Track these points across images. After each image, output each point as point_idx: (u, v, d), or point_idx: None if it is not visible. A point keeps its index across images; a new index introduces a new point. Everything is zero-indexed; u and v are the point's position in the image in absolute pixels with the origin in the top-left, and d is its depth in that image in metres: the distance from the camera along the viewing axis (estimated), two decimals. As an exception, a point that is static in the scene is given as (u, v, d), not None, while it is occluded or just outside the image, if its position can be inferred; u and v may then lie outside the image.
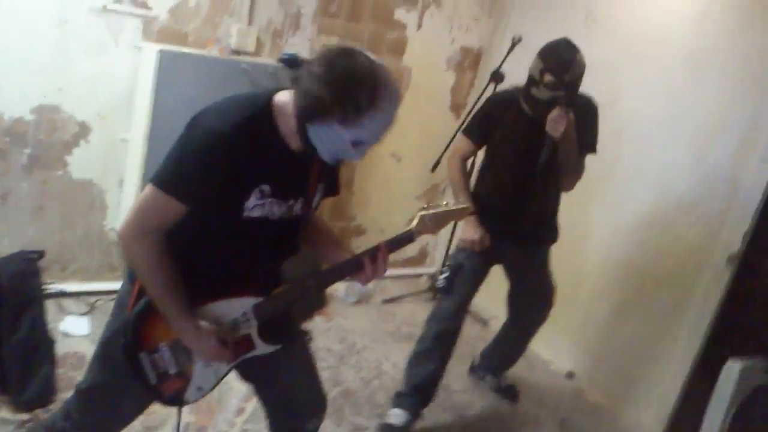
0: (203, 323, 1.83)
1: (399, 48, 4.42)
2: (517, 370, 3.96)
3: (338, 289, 4.40)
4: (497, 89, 4.16)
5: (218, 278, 1.88)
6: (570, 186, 3.11)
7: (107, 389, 1.97)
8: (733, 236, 3.34)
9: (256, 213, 1.79)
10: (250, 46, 3.71)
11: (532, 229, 3.18)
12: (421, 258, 5.14)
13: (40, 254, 3.12)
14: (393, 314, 4.32)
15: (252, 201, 1.77)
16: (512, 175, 3.07)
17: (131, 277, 1.89)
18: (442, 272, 3.23)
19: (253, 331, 1.93)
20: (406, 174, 4.74)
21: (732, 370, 2.79)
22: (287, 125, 1.75)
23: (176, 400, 1.96)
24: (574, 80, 2.82)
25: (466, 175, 3.24)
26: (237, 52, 3.64)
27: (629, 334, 3.78)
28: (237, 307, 1.90)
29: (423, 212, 1.95)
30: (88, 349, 3.15)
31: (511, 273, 3.37)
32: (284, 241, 1.94)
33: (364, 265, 1.92)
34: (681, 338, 3.53)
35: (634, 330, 3.76)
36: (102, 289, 3.59)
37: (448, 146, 4.23)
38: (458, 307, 3.20)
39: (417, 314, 4.38)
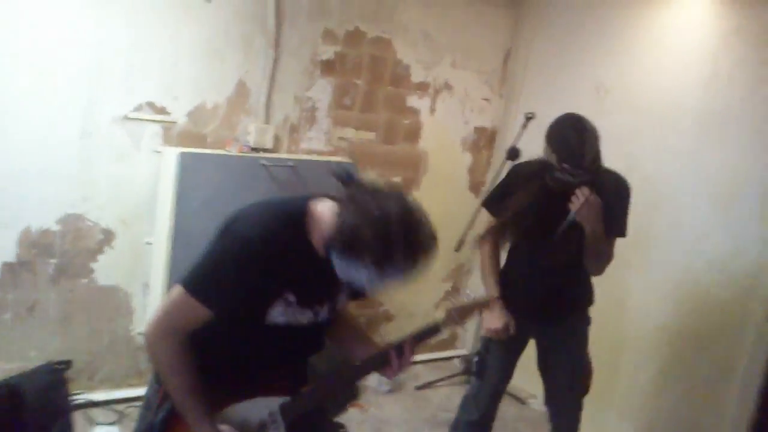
0: (225, 427, 1.77)
1: (414, 133, 4.48)
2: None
3: (370, 378, 4.31)
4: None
5: (242, 380, 1.85)
6: (597, 270, 2.89)
7: None
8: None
9: (279, 320, 1.79)
10: (269, 143, 3.76)
11: (559, 304, 2.95)
12: (451, 341, 5.04)
13: (68, 364, 3.08)
14: (428, 400, 4.21)
15: (277, 310, 1.77)
16: (534, 246, 2.89)
17: (158, 379, 1.87)
18: (474, 356, 3.14)
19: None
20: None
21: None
22: (320, 234, 1.72)
23: None
24: (593, 159, 2.66)
25: (496, 256, 3.04)
26: (256, 150, 3.69)
27: (676, 401, 3.65)
28: (263, 408, 1.86)
29: (450, 305, 1.96)
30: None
31: (542, 354, 3.11)
32: (307, 344, 1.93)
33: (391, 360, 1.89)
34: (730, 402, 3.40)
35: (681, 397, 3.63)
36: (130, 395, 3.54)
37: (470, 225, 4.22)
38: (490, 395, 3.07)
39: (452, 398, 4.26)
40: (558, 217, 2.71)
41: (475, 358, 3.07)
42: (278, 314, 1.78)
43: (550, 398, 3.14)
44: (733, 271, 3.42)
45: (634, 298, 3.89)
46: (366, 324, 4.56)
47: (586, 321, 3.07)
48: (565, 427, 3.15)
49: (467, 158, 4.79)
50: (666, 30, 3.81)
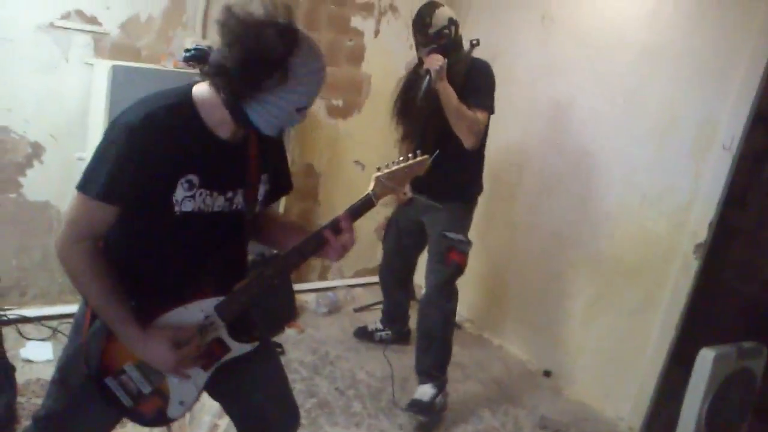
0: (155, 330, 1.73)
1: (357, 56, 4.40)
2: (495, 371, 3.96)
3: (309, 300, 4.35)
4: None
5: (168, 285, 1.79)
6: (464, 135, 3.16)
7: (66, 416, 1.87)
8: (699, 226, 3.35)
9: (187, 207, 1.72)
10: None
11: (434, 186, 3.20)
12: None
13: (-4, 280, 3.02)
14: (365, 322, 4.26)
15: (180, 193, 1.70)
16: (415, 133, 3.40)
17: (86, 300, 1.81)
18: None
19: (223, 333, 1.85)
20: (370, 180, 4.70)
21: (706, 359, 2.79)
22: (213, 116, 1.69)
23: (160, 419, 1.89)
24: (438, 31, 3.16)
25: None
26: (192, 65, 3.58)
27: (604, 329, 3.78)
28: (197, 312, 1.81)
29: (378, 173, 1.88)
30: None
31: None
32: (229, 236, 1.87)
33: (328, 239, 1.81)
34: (654, 330, 3.53)
35: (608, 325, 3.76)
36: (64, 312, 3.49)
37: (411, 151, 4.23)
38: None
39: (389, 322, 4.35)
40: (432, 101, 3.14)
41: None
42: (184, 199, 1.71)
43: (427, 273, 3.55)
44: (666, 205, 3.50)
45: (569, 228, 3.97)
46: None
47: (462, 202, 3.47)
48: (433, 304, 3.45)
49: (411, 83, 4.74)
50: (613, -42, 3.78)
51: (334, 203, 4.61)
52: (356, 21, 4.31)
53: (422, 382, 3.39)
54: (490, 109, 3.25)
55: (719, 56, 3.28)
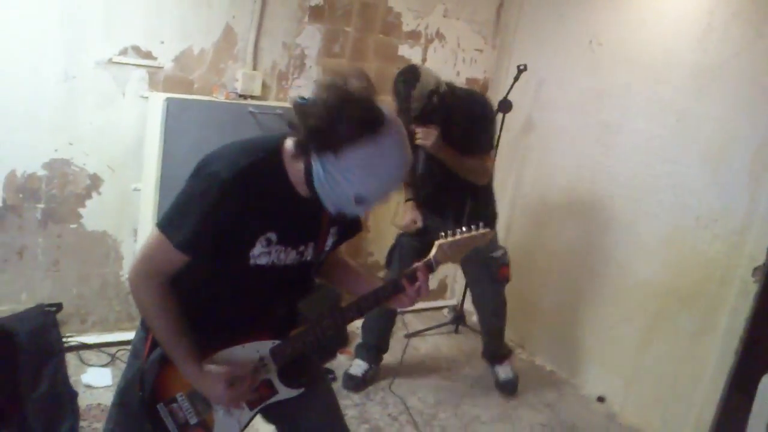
0: (212, 366, 1.78)
1: (405, 83, 4.43)
2: (548, 397, 3.90)
3: (359, 326, 4.36)
4: (505, 117, 4.18)
5: (230, 324, 1.84)
6: (478, 181, 3.41)
7: None
8: (757, 249, 3.28)
9: (262, 261, 1.76)
10: (256, 90, 3.73)
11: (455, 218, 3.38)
12: (441, 291, 5.09)
13: (58, 307, 3.12)
14: (416, 348, 4.26)
15: (258, 249, 1.73)
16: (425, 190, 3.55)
17: (145, 325, 1.87)
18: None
19: (273, 376, 1.90)
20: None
21: (769, 385, 2.72)
22: (296, 171, 1.69)
23: None
24: (422, 106, 3.11)
25: None
26: (243, 96, 3.67)
27: (659, 354, 3.69)
28: (253, 352, 1.86)
29: (441, 240, 1.91)
30: (111, 401, 3.13)
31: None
32: (295, 285, 1.92)
33: (404, 287, 1.88)
34: (713, 355, 3.44)
35: (664, 350, 3.67)
36: (122, 339, 3.58)
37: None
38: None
39: (440, 347, 4.33)
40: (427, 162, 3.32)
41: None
42: (261, 254, 1.74)
43: (474, 296, 3.93)
44: (721, 227, 3.43)
45: (621, 252, 3.91)
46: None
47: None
48: (491, 322, 3.89)
49: (459, 109, 4.75)
50: (661, -20, 3.76)
51: (383, 229, 4.63)
52: (403, 49, 4.36)
53: (499, 363, 3.93)
54: (493, 146, 3.46)
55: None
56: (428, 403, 3.65)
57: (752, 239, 3.30)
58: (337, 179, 1.58)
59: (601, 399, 3.96)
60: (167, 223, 1.69)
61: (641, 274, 3.80)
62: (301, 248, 1.82)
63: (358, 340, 3.88)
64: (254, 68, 3.76)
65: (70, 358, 3.27)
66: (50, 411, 2.78)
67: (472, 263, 3.63)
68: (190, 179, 1.70)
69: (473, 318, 4.76)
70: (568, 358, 4.23)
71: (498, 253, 3.62)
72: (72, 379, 3.01)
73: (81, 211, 3.48)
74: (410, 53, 4.39)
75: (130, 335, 3.56)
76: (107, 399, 3.13)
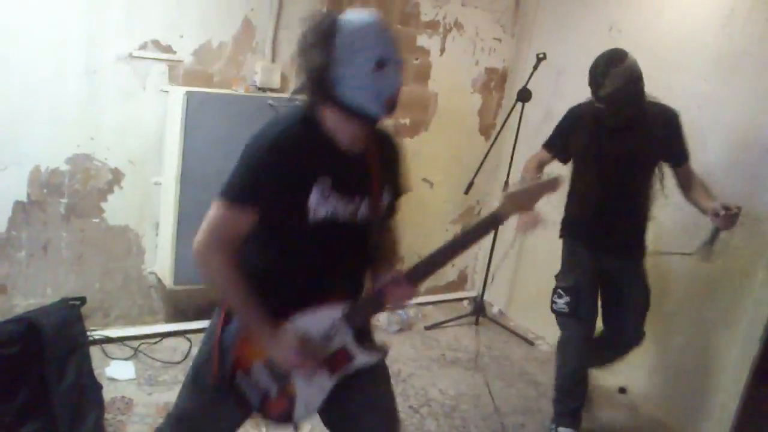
0: (289, 327, 1.82)
1: (424, 74, 4.43)
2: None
3: (380, 319, 4.37)
4: (524, 107, 4.15)
5: (299, 291, 1.86)
6: (694, 197, 3.07)
7: (198, 415, 1.98)
8: (782, 236, 3.24)
9: (321, 212, 1.78)
10: (275, 82, 3.74)
11: (623, 243, 3.18)
12: (461, 282, 5.08)
13: (82, 301, 3.14)
14: (437, 340, 4.26)
15: (315, 197, 1.75)
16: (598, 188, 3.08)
17: (218, 309, 1.93)
18: (558, 295, 3.20)
19: (349, 340, 1.89)
20: (439, 198, 4.71)
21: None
22: (331, 125, 1.78)
23: (286, 420, 1.95)
24: (612, 93, 2.85)
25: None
26: (263, 89, 3.68)
27: (681, 344, 3.66)
28: (325, 318, 1.87)
29: (506, 191, 1.83)
30: (135, 393, 3.16)
31: (612, 287, 3.29)
32: (356, 246, 1.91)
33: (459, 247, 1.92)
34: (736, 345, 3.40)
35: (686, 340, 3.64)
36: (144, 333, 3.62)
37: (479, 168, 4.22)
38: (589, 332, 3.25)
39: (460, 339, 4.33)
40: (616, 150, 2.99)
41: (561, 299, 3.18)
42: (318, 204, 1.77)
43: (618, 330, 3.33)
44: (744, 215, 3.35)
45: (646, 241, 3.87)
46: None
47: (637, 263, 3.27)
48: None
49: (477, 100, 4.74)
50: (682, -34, 3.71)
51: (404, 221, 4.62)
52: (422, 39, 4.34)
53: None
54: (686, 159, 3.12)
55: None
56: (449, 395, 3.65)
57: (777, 227, 3.26)
58: (350, 74, 1.69)
59: (622, 390, 3.93)
60: (227, 190, 1.76)
61: (663, 263, 3.76)
62: (356, 200, 1.84)
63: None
64: (273, 61, 3.77)
65: (94, 352, 3.30)
66: (76, 403, 2.81)
67: (633, 290, 3.26)
68: (241, 155, 1.77)
69: (493, 309, 4.76)
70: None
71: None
72: (96, 372, 3.03)
73: (103, 205, 3.51)
74: (429, 43, 4.38)
75: (152, 329, 3.65)
76: (131, 392, 3.17)
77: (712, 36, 3.52)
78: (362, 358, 1.91)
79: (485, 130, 4.80)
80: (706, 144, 3.54)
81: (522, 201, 1.82)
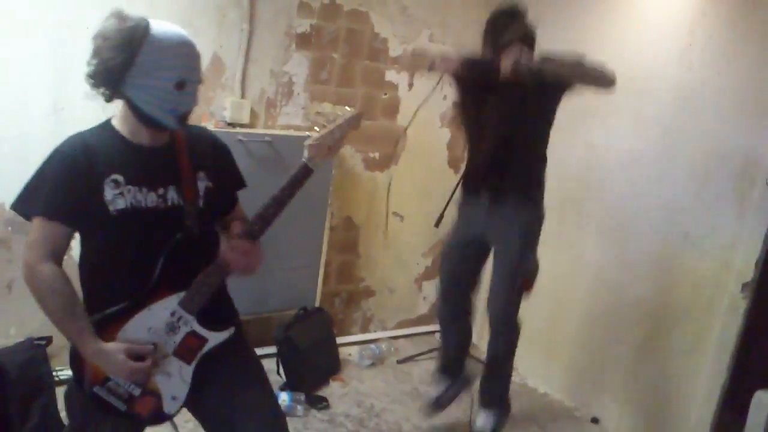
0: (111, 345, 1.83)
1: (392, 109, 4.47)
2: (542, 419, 3.89)
3: (352, 353, 4.35)
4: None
5: (129, 289, 1.89)
6: (602, 85, 3.11)
7: (90, 430, 2.00)
8: (745, 264, 3.30)
9: (120, 204, 1.84)
10: (245, 118, 3.75)
11: (502, 179, 3.21)
12: (432, 315, 5.07)
13: (48, 340, 3.08)
14: (409, 374, 4.25)
15: (108, 192, 1.83)
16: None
17: None
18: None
19: (194, 325, 1.93)
20: (409, 232, 4.73)
21: (762, 402, 2.73)
22: (127, 126, 1.90)
23: (159, 417, 1.98)
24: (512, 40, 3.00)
25: None
26: (232, 125, 3.69)
27: (652, 373, 3.70)
28: (162, 311, 1.90)
29: (309, 141, 1.94)
30: None
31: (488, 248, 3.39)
32: (174, 232, 1.92)
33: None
34: (705, 373, 3.45)
35: (656, 369, 3.68)
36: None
37: (449, 201, 4.24)
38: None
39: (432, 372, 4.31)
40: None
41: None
42: (114, 197, 1.84)
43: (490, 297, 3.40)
44: (710, 245, 3.45)
45: (610, 272, 3.93)
46: (347, 299, 4.59)
47: (532, 213, 3.29)
48: (501, 333, 3.40)
49: (446, 134, 4.78)
50: (643, 1, 3.82)
51: (375, 255, 4.64)
52: (390, 74, 4.39)
53: (488, 410, 3.46)
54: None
55: (758, 91, 3.26)
56: (422, 429, 3.63)
57: (740, 255, 3.32)
58: (150, 85, 1.79)
59: (595, 420, 3.95)
60: (21, 203, 1.88)
61: (631, 293, 3.81)
62: (161, 191, 1.90)
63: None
64: (242, 96, 3.78)
65: (60, 392, 3.23)
66: (41, 445, 2.75)
67: (501, 257, 3.32)
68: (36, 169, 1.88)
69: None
70: (561, 379, 4.22)
71: (529, 264, 3.31)
72: (62, 414, 2.97)
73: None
74: (397, 78, 4.43)
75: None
76: (99, 432, 3.10)
77: (673, 69, 3.62)
78: (214, 338, 1.95)
79: (454, 163, 4.84)
80: (672, 176, 3.62)
81: (329, 143, 1.95)
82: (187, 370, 1.95)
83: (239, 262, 1.94)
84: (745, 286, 3.29)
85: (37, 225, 1.84)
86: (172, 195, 1.93)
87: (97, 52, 1.81)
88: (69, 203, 1.82)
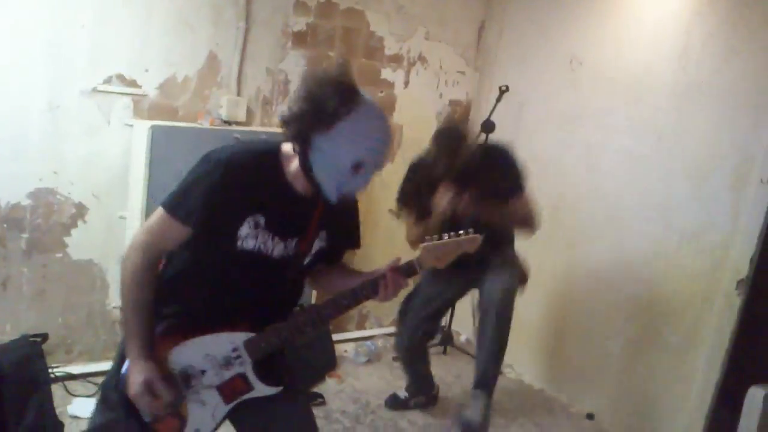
0: (148, 367, 1.82)
1: (389, 106, 4.47)
2: (537, 416, 3.90)
3: (348, 350, 4.36)
4: (488, 138, 4.22)
5: (211, 311, 1.89)
6: (529, 229, 3.36)
7: (108, 429, 1.99)
8: (740, 262, 3.31)
9: (249, 244, 1.83)
10: (241, 116, 3.76)
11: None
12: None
13: (44, 337, 3.09)
14: (400, 377, 4.24)
15: (245, 230, 1.81)
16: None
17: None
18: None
19: (248, 369, 1.90)
20: (404, 229, 4.72)
21: (756, 398, 2.74)
22: (291, 168, 1.84)
23: None
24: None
25: None
26: (228, 123, 3.69)
27: (646, 370, 3.71)
28: (226, 342, 1.89)
29: (427, 243, 1.89)
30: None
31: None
32: (275, 281, 1.93)
33: (383, 288, 1.89)
34: (699, 370, 3.46)
35: (650, 366, 3.69)
36: (108, 369, 3.53)
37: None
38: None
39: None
40: None
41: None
42: (248, 236, 1.82)
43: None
44: (705, 243, 3.46)
45: (606, 269, 3.94)
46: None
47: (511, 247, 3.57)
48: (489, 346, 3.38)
49: (442, 131, 4.79)
50: (639, 2, 3.82)
51: (371, 252, 4.63)
52: (386, 73, 4.40)
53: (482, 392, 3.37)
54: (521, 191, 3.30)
55: (752, 91, 3.28)
56: (418, 425, 3.64)
57: (735, 253, 3.34)
58: (333, 154, 1.73)
59: (590, 416, 3.96)
60: (171, 201, 1.82)
61: (627, 291, 3.82)
62: (288, 243, 1.89)
63: None
64: (239, 94, 3.79)
65: (56, 389, 3.24)
66: (37, 443, 2.76)
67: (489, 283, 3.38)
68: (194, 166, 1.82)
69: (461, 338, 4.77)
70: (557, 376, 4.23)
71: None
72: (58, 410, 2.98)
73: (66, 240, 3.47)
74: (393, 76, 4.44)
75: (116, 364, 3.58)
76: (94, 429, 3.11)
77: (669, 69, 3.62)
78: (260, 390, 1.92)
79: (450, 160, 4.84)
80: (667, 175, 3.63)
81: (440, 254, 1.89)
82: (222, 410, 1.93)
83: (388, 296, 1.92)
84: (739, 283, 3.30)
85: (166, 219, 1.81)
86: (291, 246, 1.91)
87: (301, 100, 1.75)
88: (208, 219, 1.79)
